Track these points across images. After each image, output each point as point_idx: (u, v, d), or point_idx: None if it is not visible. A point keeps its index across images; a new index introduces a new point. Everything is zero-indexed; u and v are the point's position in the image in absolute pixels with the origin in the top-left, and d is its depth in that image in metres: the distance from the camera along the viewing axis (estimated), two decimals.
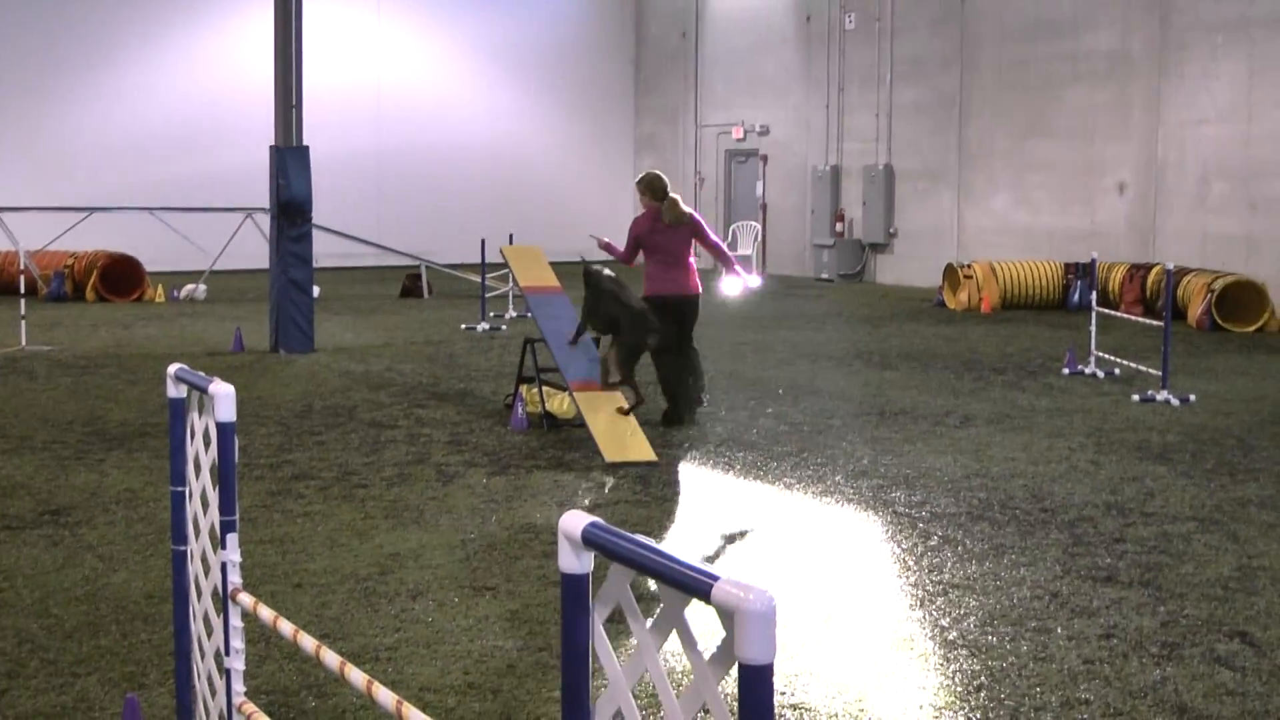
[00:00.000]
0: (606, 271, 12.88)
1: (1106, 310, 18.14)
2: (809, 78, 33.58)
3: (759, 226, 34.69)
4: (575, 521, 2.74)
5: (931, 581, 7.94)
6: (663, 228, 13.30)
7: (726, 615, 2.30)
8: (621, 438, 11.53)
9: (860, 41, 32.17)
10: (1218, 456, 11.67)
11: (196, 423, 4.88)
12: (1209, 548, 8.71)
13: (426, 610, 7.34)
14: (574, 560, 2.78)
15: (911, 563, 8.36)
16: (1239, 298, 22.05)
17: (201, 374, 4.78)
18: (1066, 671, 6.47)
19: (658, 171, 13.91)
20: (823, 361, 17.69)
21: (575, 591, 2.80)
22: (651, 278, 13.44)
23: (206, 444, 4.75)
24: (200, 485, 4.87)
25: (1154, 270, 23.28)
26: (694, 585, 2.38)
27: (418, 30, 36.32)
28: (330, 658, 4.24)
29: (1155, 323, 16.27)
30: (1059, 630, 7.05)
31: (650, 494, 10.31)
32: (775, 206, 34.71)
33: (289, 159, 18.32)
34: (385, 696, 3.88)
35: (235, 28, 33.25)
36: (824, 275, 32.34)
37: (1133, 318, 18.89)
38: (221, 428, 4.57)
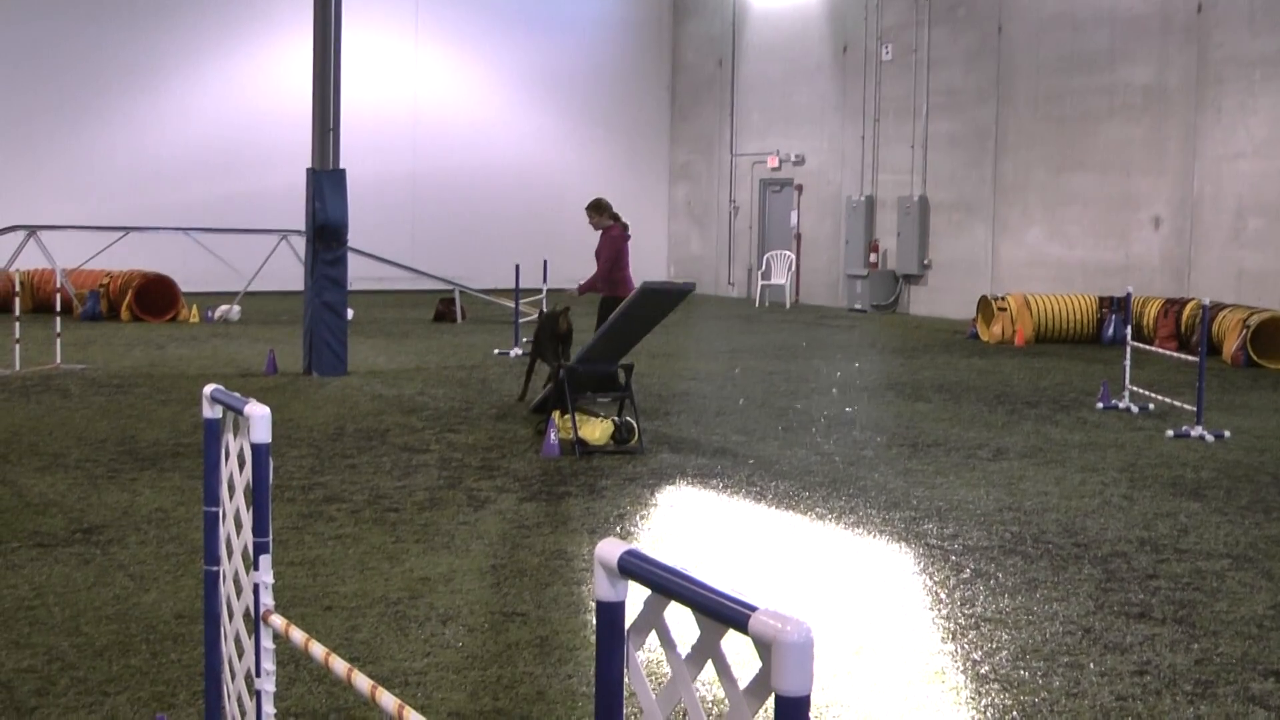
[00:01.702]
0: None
1: (1141, 345, 18.06)
2: (845, 108, 33.59)
3: (793, 256, 34.68)
4: (612, 550, 2.73)
5: (963, 615, 7.90)
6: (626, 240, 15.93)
7: (764, 646, 2.28)
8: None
9: (896, 73, 32.18)
10: (1252, 493, 11.60)
11: (231, 443, 4.88)
12: (1243, 585, 8.65)
13: (457, 635, 7.34)
14: (609, 588, 2.77)
15: (943, 595, 8.32)
16: (1275, 334, 21.93)
17: (237, 395, 4.78)
18: (1099, 708, 6.42)
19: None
20: (855, 392, 17.65)
21: (610, 620, 2.79)
22: (627, 281, 15.61)
23: (241, 465, 4.76)
24: (234, 506, 4.87)
25: (1189, 305, 23.18)
26: (731, 616, 2.37)
27: (454, 55, 36.47)
28: (362, 681, 4.23)
29: (1190, 358, 16.19)
30: (1091, 666, 7.01)
31: (681, 522, 10.29)
32: (809, 236, 34.70)
33: (325, 182, 18.38)
34: None
35: (274, 50, 33.46)
36: (857, 306, 32.31)
37: (1167, 352, 18.81)
38: (256, 449, 4.57)
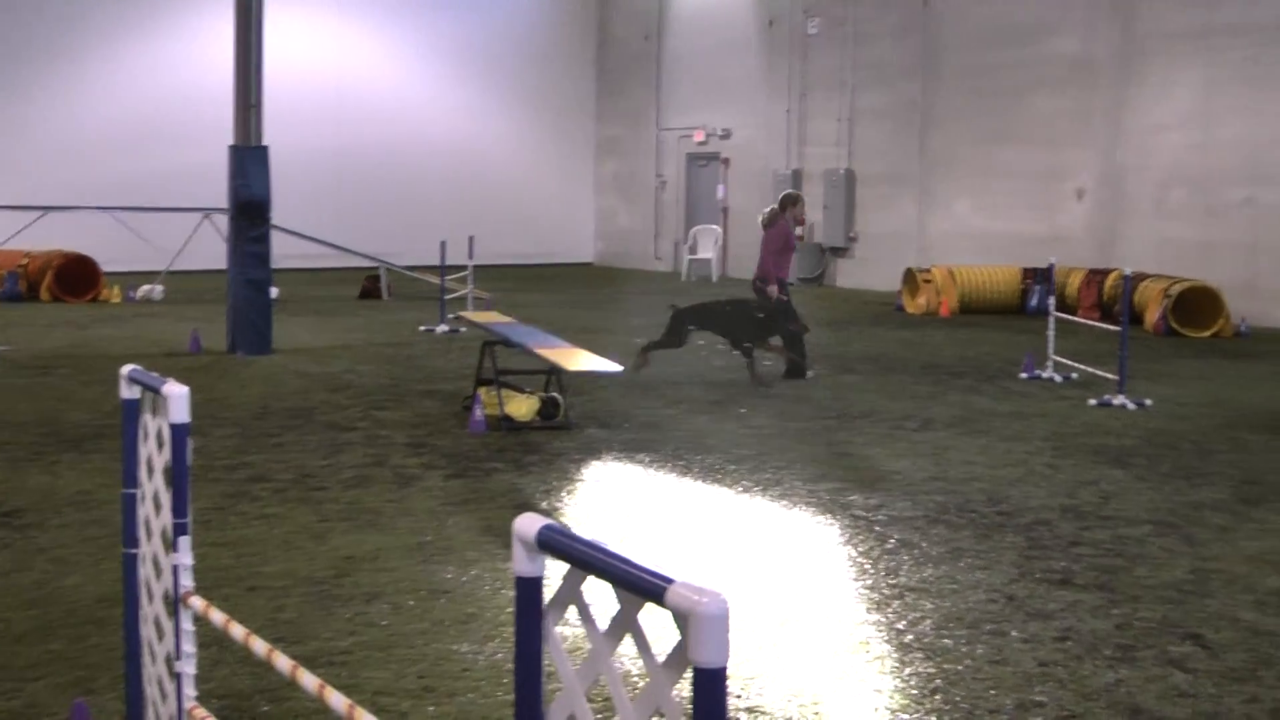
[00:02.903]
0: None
1: (1064, 315, 18.21)
2: (771, 82, 33.63)
3: (720, 230, 34.71)
4: (530, 524, 2.72)
5: (888, 585, 7.94)
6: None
7: (681, 619, 2.28)
8: (582, 359, 12.35)
9: (823, 47, 32.23)
10: (1173, 460, 11.73)
11: (150, 424, 4.83)
12: (1164, 551, 8.74)
13: (383, 613, 7.31)
14: (528, 563, 2.76)
15: (868, 566, 8.36)
16: (1195, 303, 22.17)
17: (155, 375, 4.74)
18: (1022, 674, 6.47)
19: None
20: (782, 364, 17.69)
21: (529, 595, 2.78)
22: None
23: (160, 446, 4.71)
24: (153, 488, 4.83)
25: (1112, 275, 23.38)
26: (648, 588, 2.37)
27: (379, 30, 36.24)
28: (282, 662, 4.20)
29: (1113, 327, 16.34)
30: (1014, 633, 7.06)
31: (607, 496, 10.29)
32: (736, 210, 34.74)
33: (248, 159, 18.23)
34: (337, 701, 3.85)
35: (195, 26, 33.13)
36: None
37: (1090, 322, 18.97)
38: (175, 429, 4.53)
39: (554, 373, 13.30)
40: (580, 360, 12.26)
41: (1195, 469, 11.39)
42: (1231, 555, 8.68)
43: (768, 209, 17.22)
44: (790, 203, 17.21)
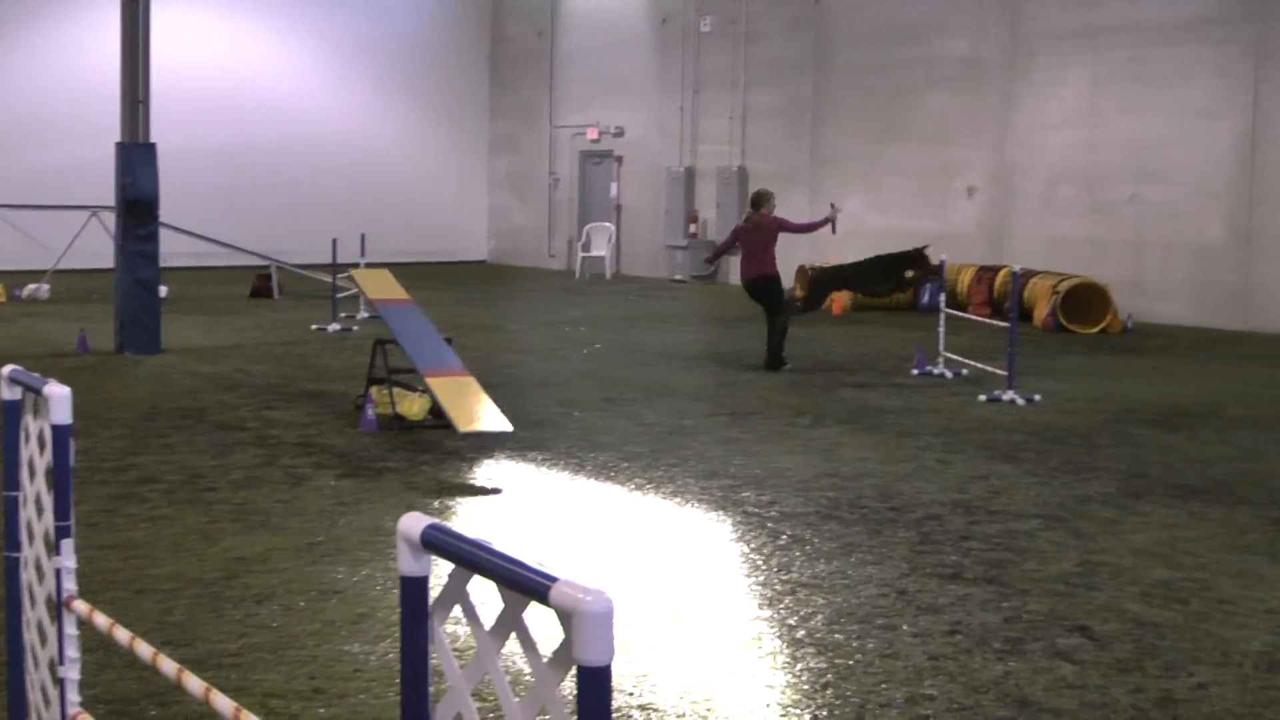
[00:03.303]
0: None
1: (955, 312, 18.39)
2: (665, 80, 33.69)
3: (613, 228, 34.72)
4: (414, 524, 2.71)
5: (780, 581, 7.98)
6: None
7: (565, 617, 2.28)
8: (474, 411, 11.49)
9: (716, 44, 32.33)
10: (1062, 455, 11.87)
11: (31, 425, 4.76)
12: (1052, 544, 8.85)
13: (273, 615, 7.25)
14: (413, 563, 2.75)
15: (761, 562, 8.40)
16: (1084, 299, 22.46)
17: (37, 375, 4.67)
18: (912, 668, 6.53)
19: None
20: (676, 362, 17.75)
21: (414, 595, 2.77)
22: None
23: (41, 447, 4.64)
24: (35, 490, 4.76)
25: (1001, 272, 23.64)
26: (532, 587, 2.36)
27: (270, 26, 35.89)
28: (167, 665, 4.16)
29: (1002, 324, 16.53)
30: (905, 627, 7.12)
31: (501, 496, 10.27)
32: (630, 208, 34.76)
33: (135, 156, 18.00)
34: (223, 704, 3.81)
35: (81, 21, 32.64)
36: (678, 276, 32.46)
37: (981, 319, 19.16)
38: (57, 430, 4.47)
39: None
40: (473, 418, 11.65)
41: (1083, 463, 11.54)
42: (1118, 548, 8.80)
43: (752, 212, 17.93)
44: (765, 199, 17.87)
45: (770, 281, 17.70)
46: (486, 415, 11.42)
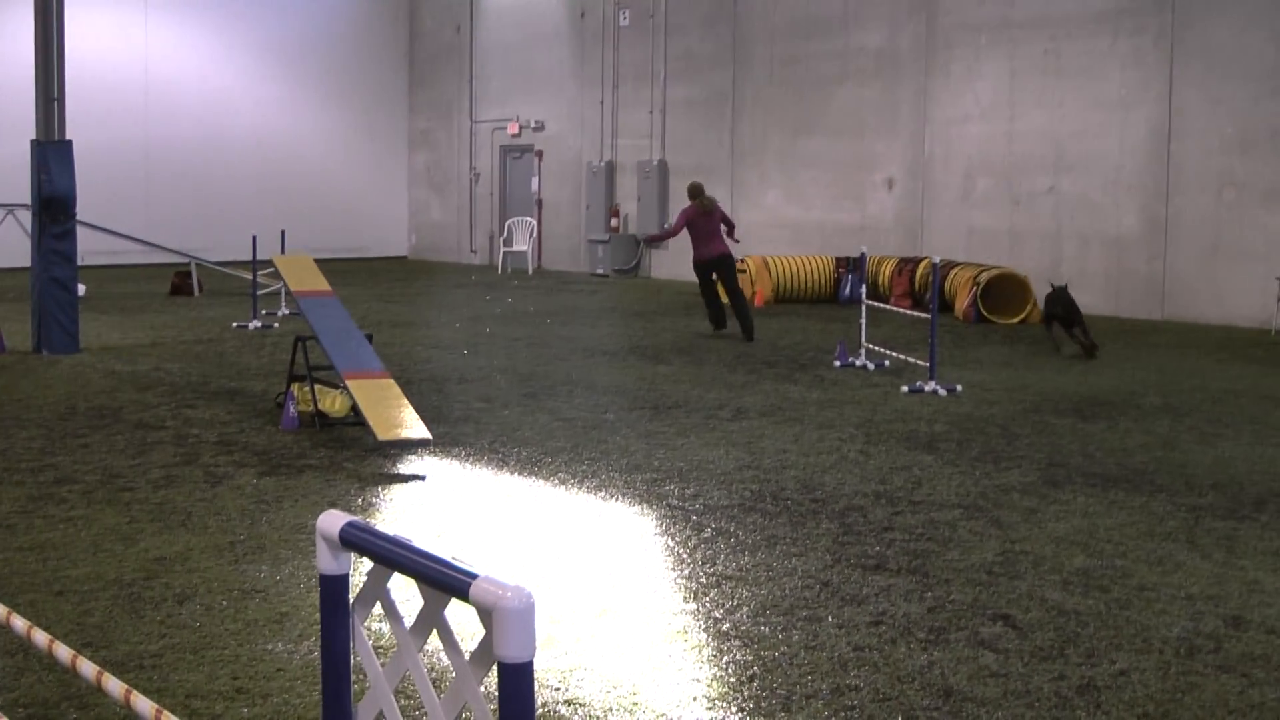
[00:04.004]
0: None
1: (876, 303, 18.48)
2: (584, 73, 33.66)
3: (534, 222, 34.67)
4: (333, 522, 2.69)
5: (705, 574, 7.99)
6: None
7: (485, 613, 2.27)
8: (394, 418, 11.41)
9: (634, 38, 32.33)
10: (982, 445, 11.95)
11: None
12: (974, 534, 8.91)
13: (194, 615, 7.19)
14: (332, 561, 2.73)
15: (685, 555, 8.40)
16: (1003, 290, 22.63)
17: None
18: (837, 659, 6.55)
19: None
20: (597, 356, 17.74)
21: (333, 592, 2.75)
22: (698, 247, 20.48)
23: None
24: None
25: (922, 264, 23.78)
26: (452, 584, 2.35)
27: (186, 22, 35.54)
28: (87, 667, 4.11)
29: (923, 315, 16.63)
30: (829, 619, 7.15)
31: (424, 493, 10.23)
32: (550, 202, 34.71)
33: (50, 154, 17.79)
34: (143, 705, 3.77)
35: None
36: (599, 270, 32.46)
37: (902, 310, 19.27)
38: None
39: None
40: (392, 426, 11.48)
41: (1003, 453, 11.63)
42: (1038, 536, 8.87)
43: (707, 199, 20.58)
44: (700, 191, 20.62)
45: (730, 259, 20.41)
46: (406, 423, 11.36)
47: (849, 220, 27.57)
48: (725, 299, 20.55)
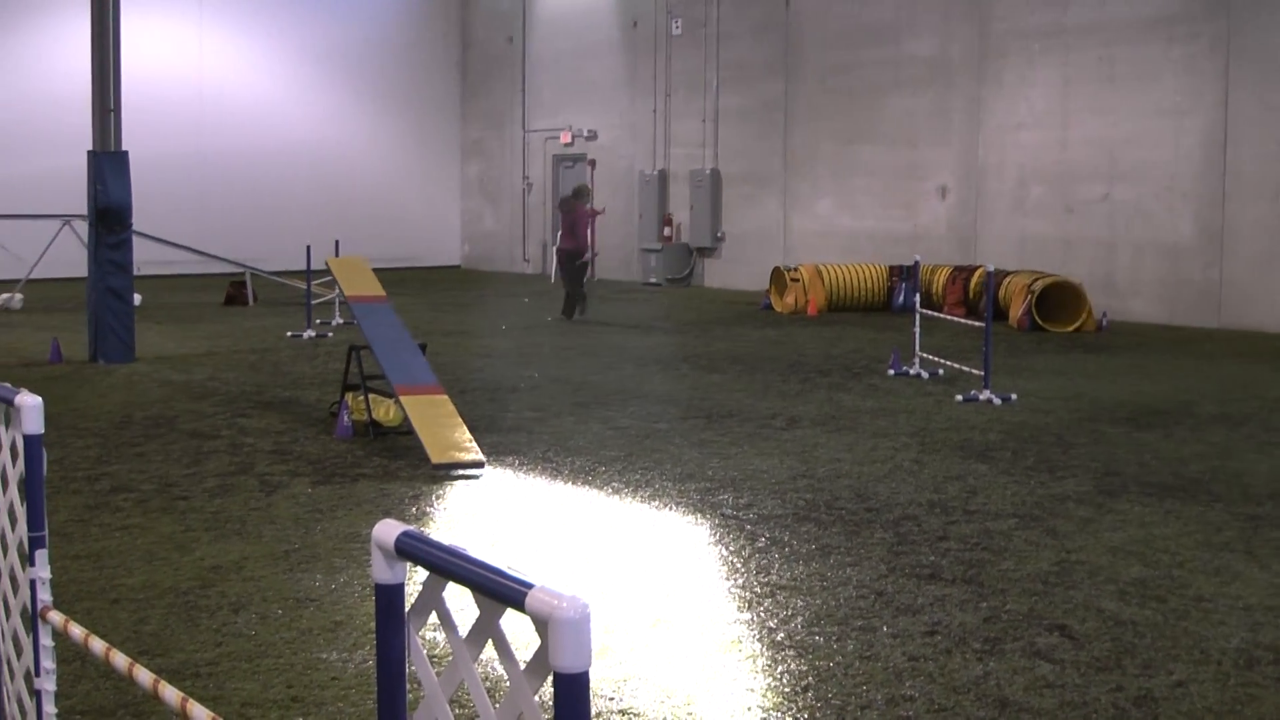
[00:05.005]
0: None
1: (930, 312, 18.42)
2: (636, 83, 33.69)
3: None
4: (389, 531, 2.69)
5: (759, 583, 7.97)
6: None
7: (541, 624, 2.26)
8: (448, 440, 11.43)
9: (686, 47, 32.35)
10: (1037, 454, 11.89)
11: (3, 436, 4.73)
12: (1029, 544, 8.86)
13: (249, 623, 7.21)
14: (387, 571, 2.73)
15: (739, 565, 8.39)
16: (1058, 298, 22.52)
17: (8, 385, 4.63)
18: (891, 669, 6.52)
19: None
20: (650, 365, 17.74)
21: (389, 602, 2.75)
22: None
23: (14, 458, 4.61)
24: (8, 500, 4.72)
25: (976, 272, 23.68)
26: (508, 594, 2.34)
27: (241, 33, 35.81)
28: (143, 675, 4.13)
29: (977, 323, 16.56)
30: (884, 629, 7.12)
31: (477, 502, 10.24)
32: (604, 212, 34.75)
33: (107, 164, 17.94)
34: (199, 714, 3.78)
35: (52, 29, 32.53)
36: (652, 279, 32.47)
37: (955, 319, 19.19)
38: (29, 440, 4.44)
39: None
40: (447, 450, 11.31)
41: (1058, 462, 11.56)
42: (1094, 546, 8.81)
43: (570, 197, 25.17)
44: (585, 193, 25.60)
45: (571, 254, 24.51)
46: (460, 445, 11.33)
47: (901, 229, 27.49)
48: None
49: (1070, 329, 22.02)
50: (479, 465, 11.17)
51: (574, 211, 24.54)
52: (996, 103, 25.78)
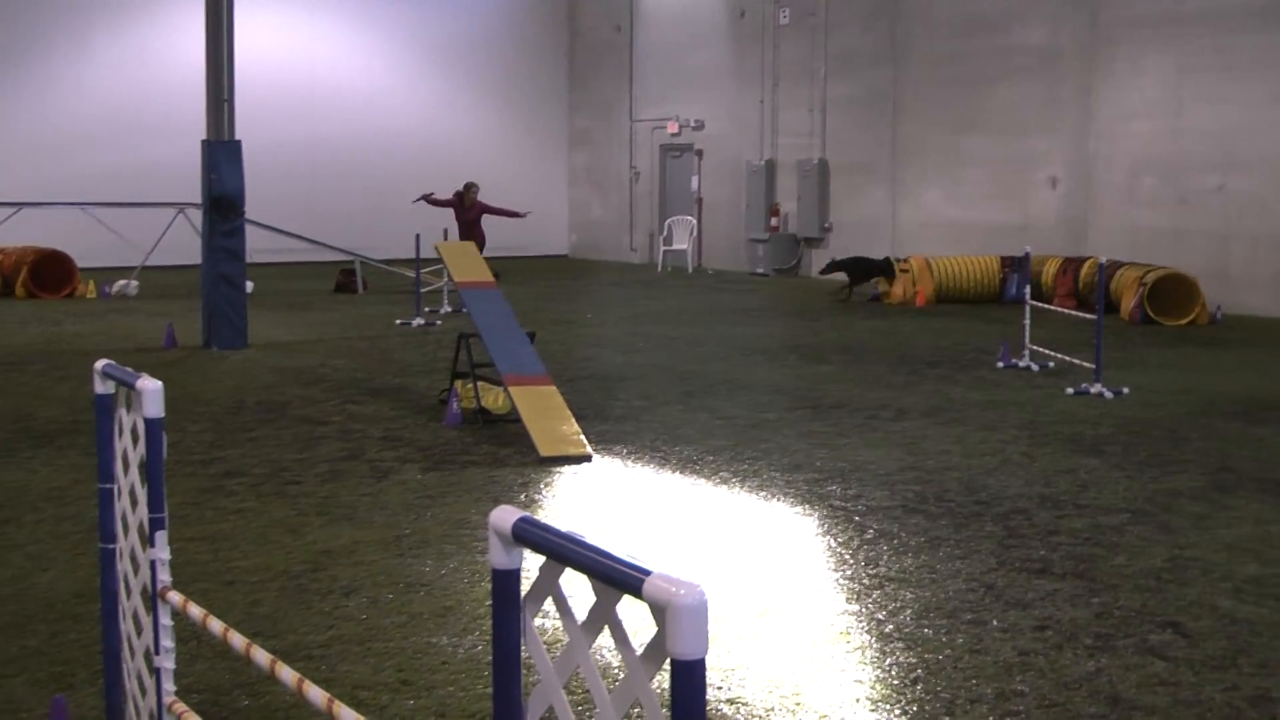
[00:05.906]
0: None
1: (1040, 304, 18.24)
2: (743, 72, 33.61)
3: (694, 221, 34.70)
4: (506, 517, 2.71)
5: (867, 575, 7.95)
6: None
7: (658, 610, 2.27)
8: (556, 432, 11.48)
9: (794, 36, 32.23)
10: (1149, 448, 11.75)
11: (124, 419, 4.81)
12: (1141, 539, 8.77)
13: (360, 607, 7.29)
14: (504, 556, 2.75)
15: (847, 556, 8.36)
16: (1171, 291, 22.21)
17: (130, 369, 4.71)
18: (1001, 663, 6.48)
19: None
20: (756, 355, 17.71)
21: (505, 588, 2.77)
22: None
23: (135, 440, 4.69)
24: (129, 482, 4.81)
25: (1087, 264, 23.42)
26: (625, 580, 2.36)
27: (350, 22, 36.10)
28: (260, 656, 4.19)
29: (1088, 316, 16.36)
30: (994, 622, 7.07)
31: (586, 489, 10.28)
32: (710, 201, 34.72)
33: (220, 153, 18.17)
34: (316, 694, 3.84)
35: (166, 20, 32.95)
36: (759, 270, 32.39)
37: (1066, 311, 18.99)
38: (150, 424, 4.51)
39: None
40: (555, 443, 11.34)
41: (1171, 457, 11.42)
42: (1208, 543, 8.70)
43: (464, 191, 26.57)
44: (473, 187, 26.60)
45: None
46: (568, 438, 11.38)
47: (1010, 219, 27.23)
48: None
49: (1183, 323, 21.72)
50: (587, 459, 11.20)
51: (473, 206, 26.28)
52: (1107, 92, 25.46)
